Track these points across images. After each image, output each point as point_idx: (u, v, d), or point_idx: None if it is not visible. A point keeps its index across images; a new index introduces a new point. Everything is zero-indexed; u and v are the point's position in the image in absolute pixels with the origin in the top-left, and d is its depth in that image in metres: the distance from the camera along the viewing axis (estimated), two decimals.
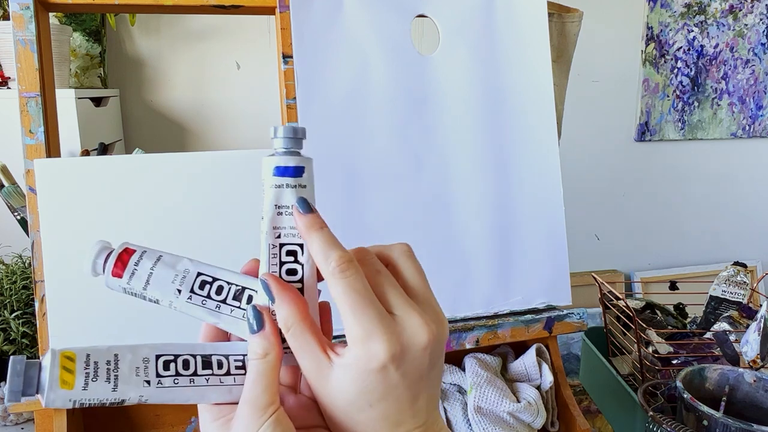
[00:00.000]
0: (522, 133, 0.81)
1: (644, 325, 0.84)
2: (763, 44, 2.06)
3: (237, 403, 0.31)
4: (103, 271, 0.34)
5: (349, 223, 0.73)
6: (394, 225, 0.76)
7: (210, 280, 0.34)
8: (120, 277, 0.33)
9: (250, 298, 0.34)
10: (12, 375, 0.28)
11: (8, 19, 0.92)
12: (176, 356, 0.31)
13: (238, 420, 0.31)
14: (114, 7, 0.72)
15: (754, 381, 0.69)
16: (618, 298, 0.89)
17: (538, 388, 0.77)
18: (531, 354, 0.78)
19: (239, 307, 0.34)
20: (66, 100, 1.16)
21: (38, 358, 0.53)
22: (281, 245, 0.33)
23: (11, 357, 0.28)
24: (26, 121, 0.66)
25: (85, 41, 1.47)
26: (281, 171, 0.32)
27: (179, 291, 0.33)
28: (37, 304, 0.65)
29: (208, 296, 0.34)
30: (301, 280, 0.33)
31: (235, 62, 1.65)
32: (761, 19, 2.04)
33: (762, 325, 0.73)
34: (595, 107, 1.96)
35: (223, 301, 0.34)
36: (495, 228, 0.79)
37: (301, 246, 0.33)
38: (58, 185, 0.65)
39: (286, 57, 0.74)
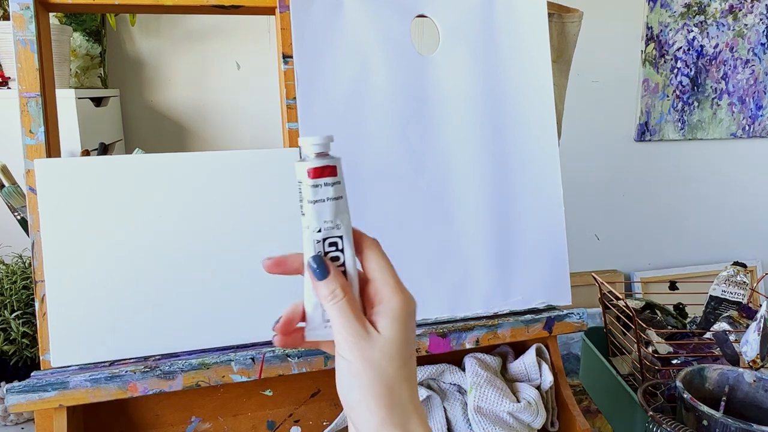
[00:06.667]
0: (522, 133, 0.81)
1: (644, 325, 0.84)
2: (763, 44, 2.06)
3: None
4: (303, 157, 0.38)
5: None
6: (394, 225, 0.76)
7: (336, 244, 0.38)
8: (310, 177, 0.37)
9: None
10: None
11: (8, 19, 0.92)
12: None
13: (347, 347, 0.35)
14: (114, 7, 0.72)
15: (754, 381, 0.69)
16: (618, 298, 0.89)
17: (538, 388, 0.77)
18: (531, 354, 0.78)
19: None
20: (66, 100, 1.16)
21: (38, 358, 0.53)
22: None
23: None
24: (26, 121, 0.66)
25: (85, 41, 1.47)
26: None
27: (318, 230, 0.38)
28: (37, 304, 0.65)
29: (324, 250, 0.38)
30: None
31: (235, 62, 1.65)
32: (761, 19, 2.04)
33: (762, 325, 0.73)
34: (595, 107, 1.96)
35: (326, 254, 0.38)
36: (495, 227, 0.79)
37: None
38: (58, 185, 0.65)
39: (286, 57, 0.74)
